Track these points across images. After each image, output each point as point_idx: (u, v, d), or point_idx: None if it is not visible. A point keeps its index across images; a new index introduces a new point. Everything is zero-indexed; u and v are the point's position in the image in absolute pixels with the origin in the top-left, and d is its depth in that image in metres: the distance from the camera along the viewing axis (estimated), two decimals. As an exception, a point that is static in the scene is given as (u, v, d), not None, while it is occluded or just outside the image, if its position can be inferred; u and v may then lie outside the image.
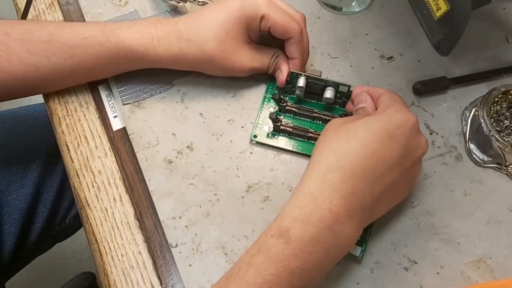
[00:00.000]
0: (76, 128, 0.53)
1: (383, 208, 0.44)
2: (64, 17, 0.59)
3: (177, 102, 0.54)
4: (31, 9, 0.59)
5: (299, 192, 0.41)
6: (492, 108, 0.50)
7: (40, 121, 0.73)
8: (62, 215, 0.74)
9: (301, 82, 0.51)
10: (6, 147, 0.69)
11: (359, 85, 0.50)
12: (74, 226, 0.77)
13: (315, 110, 0.52)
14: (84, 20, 0.58)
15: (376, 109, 0.46)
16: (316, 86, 0.52)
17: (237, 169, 0.50)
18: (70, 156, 0.51)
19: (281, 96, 0.52)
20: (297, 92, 0.52)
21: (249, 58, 0.51)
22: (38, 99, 0.60)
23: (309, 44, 0.53)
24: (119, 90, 0.54)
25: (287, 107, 0.52)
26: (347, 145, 0.41)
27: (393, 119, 0.42)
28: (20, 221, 0.68)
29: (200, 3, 0.57)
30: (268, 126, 0.52)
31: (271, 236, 0.39)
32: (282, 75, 0.52)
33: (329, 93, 0.51)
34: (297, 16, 0.52)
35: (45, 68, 0.49)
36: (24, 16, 0.58)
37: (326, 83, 0.51)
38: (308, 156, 0.51)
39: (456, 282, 0.45)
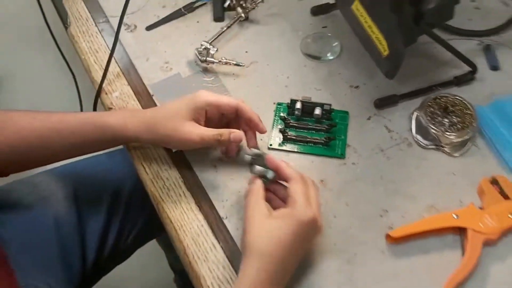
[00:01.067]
0: (147, 153, 0.76)
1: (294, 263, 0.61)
2: (128, 82, 0.84)
3: (214, 129, 0.77)
4: (104, 79, 0.85)
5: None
6: (428, 110, 0.75)
7: (106, 164, 0.95)
8: (125, 235, 0.95)
9: (298, 105, 0.76)
10: (87, 186, 0.91)
11: (272, 157, 0.65)
12: (134, 246, 0.98)
13: (309, 124, 0.76)
14: (143, 83, 0.84)
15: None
16: (308, 107, 0.76)
17: (261, 166, 0.73)
18: (145, 171, 0.75)
19: (286, 117, 0.77)
20: (296, 112, 0.77)
21: (194, 132, 0.67)
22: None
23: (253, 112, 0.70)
24: (174, 124, 0.78)
25: (290, 124, 0.76)
26: (268, 242, 0.58)
27: (301, 218, 0.58)
28: (99, 238, 0.88)
29: (223, 63, 0.83)
30: (279, 137, 0.76)
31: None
32: (238, 132, 0.68)
33: (317, 111, 0.75)
34: (232, 100, 0.70)
35: (54, 140, 0.70)
36: (101, 84, 0.83)
37: (315, 105, 0.76)
38: (306, 154, 0.74)
39: (415, 221, 0.67)
